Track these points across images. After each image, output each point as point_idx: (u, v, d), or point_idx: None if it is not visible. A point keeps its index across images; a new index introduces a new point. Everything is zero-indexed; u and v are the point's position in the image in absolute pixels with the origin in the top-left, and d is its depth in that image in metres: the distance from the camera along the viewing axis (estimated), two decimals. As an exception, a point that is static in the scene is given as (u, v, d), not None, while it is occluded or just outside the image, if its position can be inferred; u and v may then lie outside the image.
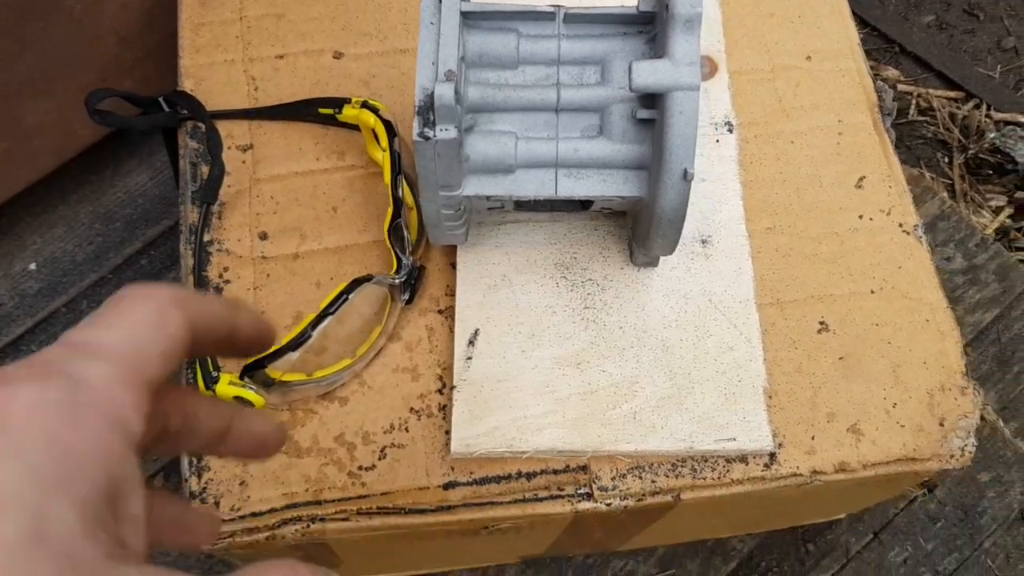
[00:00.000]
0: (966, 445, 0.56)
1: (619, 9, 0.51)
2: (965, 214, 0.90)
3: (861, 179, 0.64)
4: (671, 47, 0.46)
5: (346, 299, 0.54)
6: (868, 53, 1.18)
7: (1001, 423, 0.58)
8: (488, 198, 0.52)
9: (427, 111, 0.47)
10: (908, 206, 0.63)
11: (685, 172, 0.46)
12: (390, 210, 0.58)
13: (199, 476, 0.56)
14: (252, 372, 0.54)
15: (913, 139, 1.08)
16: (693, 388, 0.56)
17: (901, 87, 1.10)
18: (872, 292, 0.61)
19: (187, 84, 0.68)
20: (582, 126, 0.51)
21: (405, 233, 0.59)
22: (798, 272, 0.61)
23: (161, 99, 0.68)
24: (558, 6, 0.52)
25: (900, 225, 0.63)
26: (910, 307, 0.60)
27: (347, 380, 0.58)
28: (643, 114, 0.49)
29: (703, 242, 0.60)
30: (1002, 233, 1.02)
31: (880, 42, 1.17)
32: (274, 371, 0.54)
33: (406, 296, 0.59)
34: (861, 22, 1.18)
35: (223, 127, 0.67)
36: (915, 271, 0.61)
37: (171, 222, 0.94)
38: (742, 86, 0.67)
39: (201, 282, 0.62)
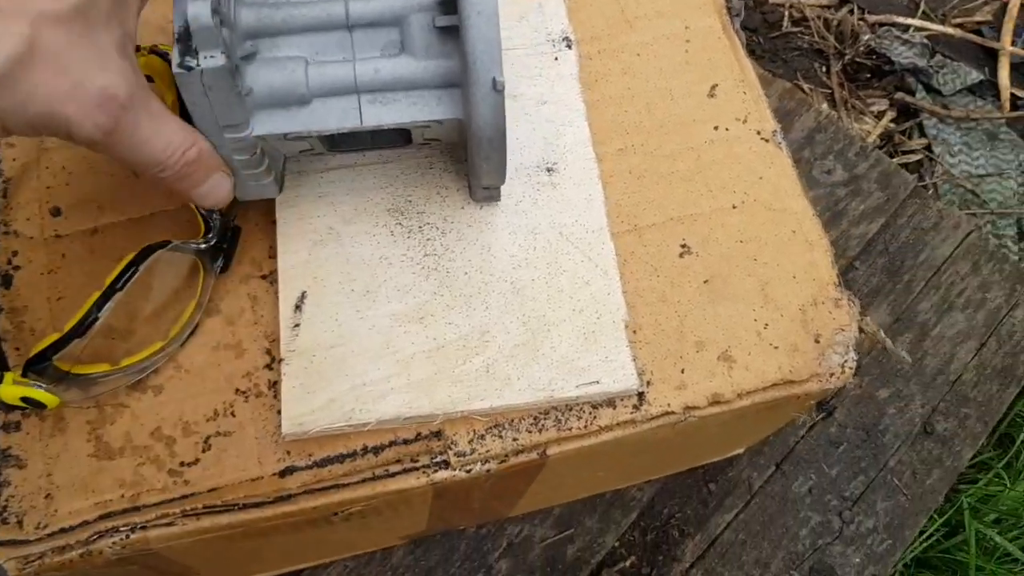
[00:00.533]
0: (846, 361, 0.54)
1: None
2: (842, 124, 0.88)
3: (714, 87, 0.61)
4: None
5: (135, 271, 0.48)
6: (735, -35, 1.15)
7: (882, 333, 0.55)
8: (286, 136, 0.47)
9: (186, 37, 0.42)
10: (764, 112, 0.60)
11: (494, 82, 0.42)
12: None
13: (-4, 493, 0.50)
14: (36, 367, 0.48)
15: (789, 51, 1.06)
16: (549, 331, 0.52)
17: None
18: (734, 207, 0.58)
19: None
20: (381, 43, 0.46)
21: None
22: (654, 194, 0.58)
23: None
24: None
25: (758, 133, 0.60)
26: (774, 219, 0.57)
27: (161, 364, 0.53)
28: (442, 21, 0.44)
29: (548, 170, 0.56)
30: (887, 138, 1.01)
31: (746, -49, 1.14)
32: (65, 363, 0.48)
33: (220, 263, 0.54)
34: (725, -67, 1.16)
35: (-2, 94, 0.60)
36: (777, 180, 0.58)
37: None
38: (580, -2, 0.63)
39: (-15, 273, 0.55)
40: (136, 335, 0.53)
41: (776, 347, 0.54)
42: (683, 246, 0.56)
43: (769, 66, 1.05)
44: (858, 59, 1.04)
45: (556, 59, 0.59)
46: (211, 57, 0.42)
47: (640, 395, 0.52)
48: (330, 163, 0.56)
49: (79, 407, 0.52)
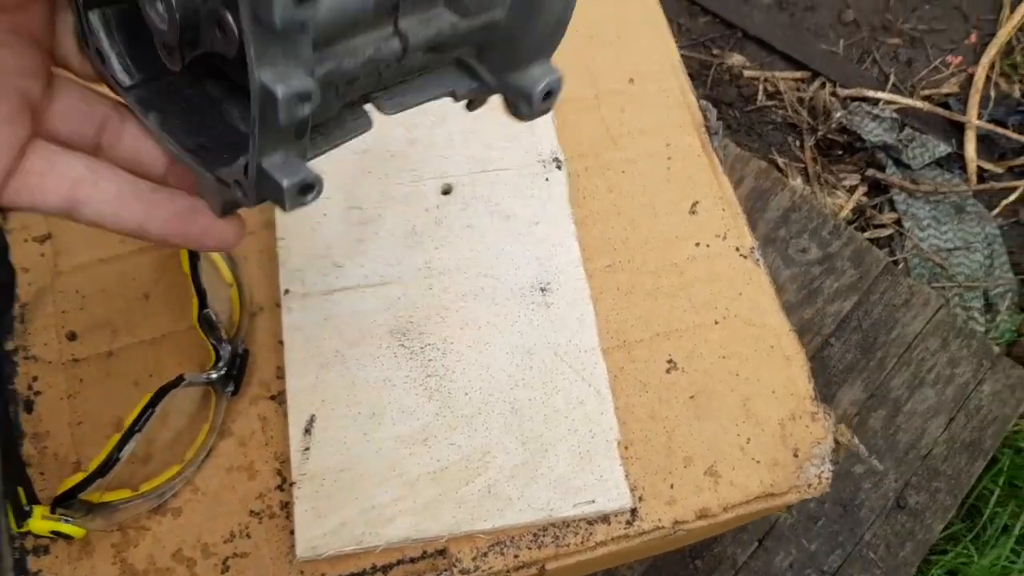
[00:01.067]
0: (822, 472, 0.58)
1: None
2: (816, 202, 0.93)
3: (694, 204, 0.65)
4: None
5: (152, 412, 0.52)
6: (712, 41, 1.20)
7: (855, 440, 0.59)
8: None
9: None
10: (743, 228, 0.64)
11: None
12: (195, 300, 0.56)
13: (23, 618, 0.53)
14: (65, 502, 0.51)
15: (763, 125, 1.11)
16: (547, 451, 0.56)
17: (747, 73, 1.13)
18: (716, 323, 0.62)
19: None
20: None
21: (216, 320, 0.57)
22: (641, 310, 0.62)
23: None
24: None
25: (737, 249, 0.64)
26: (754, 335, 0.61)
27: (179, 488, 0.56)
28: None
29: (542, 290, 0.60)
30: (859, 213, 1.06)
31: (722, 28, 1.19)
32: (91, 494, 0.52)
33: (231, 388, 0.57)
34: (702, 10, 1.20)
35: (18, 219, 0.63)
36: (756, 296, 0.62)
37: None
38: (567, 116, 0.67)
39: (10, 397, 0.58)
40: (154, 460, 0.56)
41: (758, 461, 0.58)
42: (669, 362, 0.60)
43: (745, 140, 1.10)
44: (830, 135, 1.09)
45: (547, 180, 0.63)
46: None
47: (633, 511, 0.56)
48: (335, 284, 0.60)
49: (105, 531, 0.55)
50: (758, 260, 0.63)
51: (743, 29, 1.19)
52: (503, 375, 0.58)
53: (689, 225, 0.64)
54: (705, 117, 0.67)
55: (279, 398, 0.58)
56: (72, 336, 0.60)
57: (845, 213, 1.05)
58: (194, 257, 0.58)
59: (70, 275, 0.62)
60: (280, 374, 0.59)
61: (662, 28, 0.70)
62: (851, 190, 1.07)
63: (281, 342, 0.59)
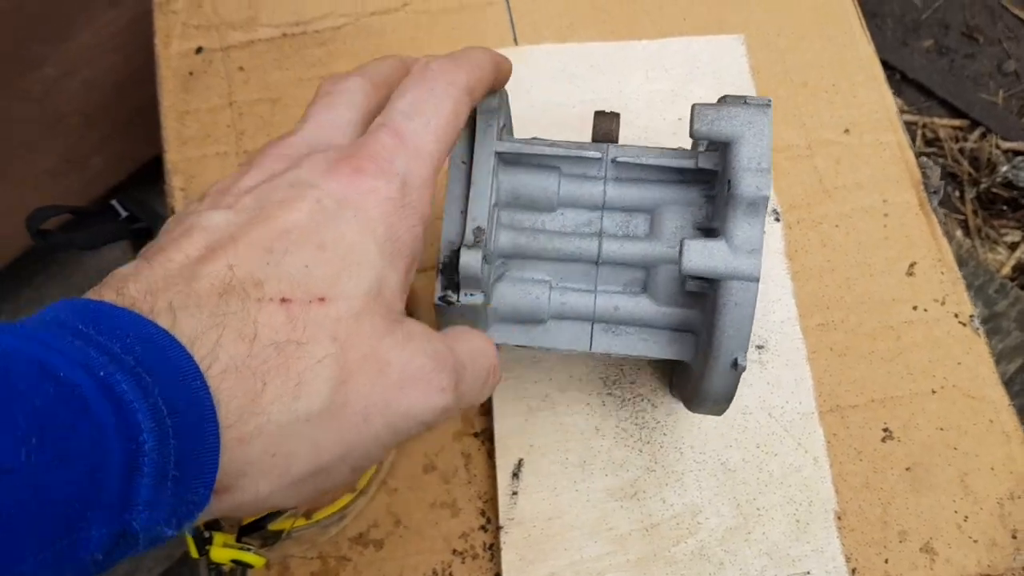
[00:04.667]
0: (1044, 558, 0.54)
1: (676, 160, 0.46)
2: (982, 258, 0.89)
3: (912, 265, 0.61)
4: (731, 229, 0.41)
5: None
6: (868, 80, 1.16)
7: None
8: (515, 345, 0.48)
9: (451, 272, 0.43)
10: (962, 294, 0.61)
11: (735, 362, 0.42)
12: None
13: (225, 641, 0.51)
14: (251, 531, 0.49)
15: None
16: (760, 516, 0.53)
17: (906, 117, 1.09)
18: (933, 392, 0.58)
19: (176, 181, 0.64)
20: (624, 280, 0.47)
21: None
22: (856, 373, 0.58)
23: (116, 203, 0.62)
24: (607, 145, 0.47)
25: (956, 316, 0.60)
26: (973, 407, 0.58)
27: (350, 518, 0.54)
28: (693, 286, 0.45)
29: (759, 348, 0.57)
30: (1020, 270, 1.01)
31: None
32: (274, 524, 0.50)
33: None
34: (859, 47, 1.17)
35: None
36: (975, 367, 0.59)
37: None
38: (779, 164, 0.64)
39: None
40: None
41: (975, 540, 0.55)
42: (885, 430, 0.57)
43: (943, 182, 1.06)
44: (993, 189, 1.04)
45: (764, 232, 0.60)
46: (472, 295, 0.43)
47: (847, 585, 0.53)
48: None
49: (303, 559, 0.53)
50: (978, 329, 0.60)
51: (902, 71, 1.15)
52: (715, 433, 0.55)
53: (906, 287, 0.61)
54: (924, 175, 0.63)
55: (482, 435, 0.56)
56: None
57: (1006, 270, 1.00)
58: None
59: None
60: (484, 411, 0.57)
61: (879, 78, 0.67)
62: (1013, 247, 1.02)
63: (484, 377, 0.57)
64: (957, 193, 1.06)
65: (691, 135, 0.44)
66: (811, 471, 0.55)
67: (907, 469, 0.56)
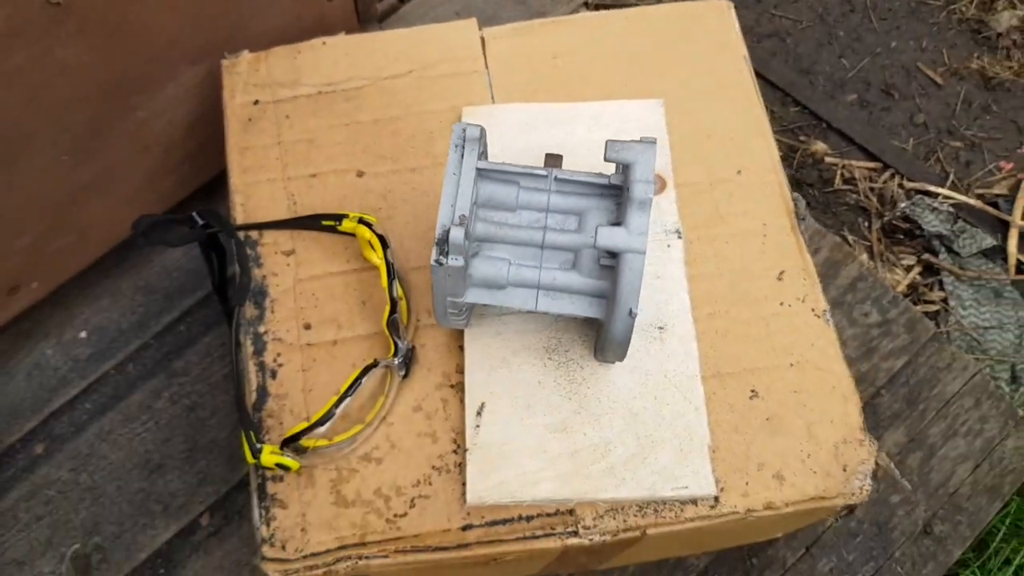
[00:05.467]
0: (863, 485, 0.72)
1: (595, 178, 0.67)
2: (881, 276, 1.08)
3: (781, 273, 0.80)
4: (628, 219, 0.62)
5: (359, 383, 0.70)
6: (800, 128, 1.36)
7: (892, 466, 0.74)
8: (484, 305, 0.68)
9: (443, 243, 0.63)
10: (818, 295, 0.79)
11: (630, 311, 0.62)
12: (387, 307, 0.74)
13: (268, 524, 0.70)
14: (289, 443, 0.69)
15: (838, 206, 1.26)
16: (654, 447, 0.72)
17: (828, 159, 1.28)
18: (791, 365, 0.77)
19: (237, 199, 0.83)
20: (560, 260, 0.67)
21: (400, 324, 0.74)
22: (733, 349, 0.77)
23: (195, 215, 0.82)
24: (551, 169, 0.68)
25: (812, 310, 0.79)
26: (821, 377, 0.76)
27: (359, 443, 0.73)
28: (605, 261, 0.65)
29: (660, 328, 0.76)
30: (912, 288, 1.20)
31: (810, 119, 1.35)
32: (305, 441, 0.70)
33: (403, 372, 0.75)
34: (794, 101, 1.36)
35: (270, 236, 0.82)
36: (824, 348, 0.77)
37: (204, 292, 1.07)
38: (686, 196, 0.83)
39: (260, 367, 0.77)
40: (344, 421, 0.73)
41: (815, 472, 0.73)
42: (752, 391, 0.76)
43: (821, 217, 1.25)
44: (895, 221, 1.23)
45: (668, 246, 0.80)
46: (456, 259, 0.63)
47: (716, 498, 0.71)
48: (504, 309, 0.77)
49: (324, 468, 0.73)
50: (828, 320, 0.79)
51: (828, 121, 1.34)
52: (625, 388, 0.74)
53: (776, 288, 0.79)
54: (796, 206, 0.82)
55: (457, 387, 0.75)
56: (307, 327, 0.78)
57: (902, 288, 1.19)
58: (391, 276, 0.75)
59: (307, 282, 0.80)
60: (458, 370, 0.75)
61: (767, 133, 0.86)
62: (908, 269, 1.21)
63: (461, 347, 0.76)
64: (866, 224, 1.25)
65: (604, 159, 0.64)
66: (693, 416, 0.73)
67: (767, 419, 0.75)
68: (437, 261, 0.63)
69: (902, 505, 1.00)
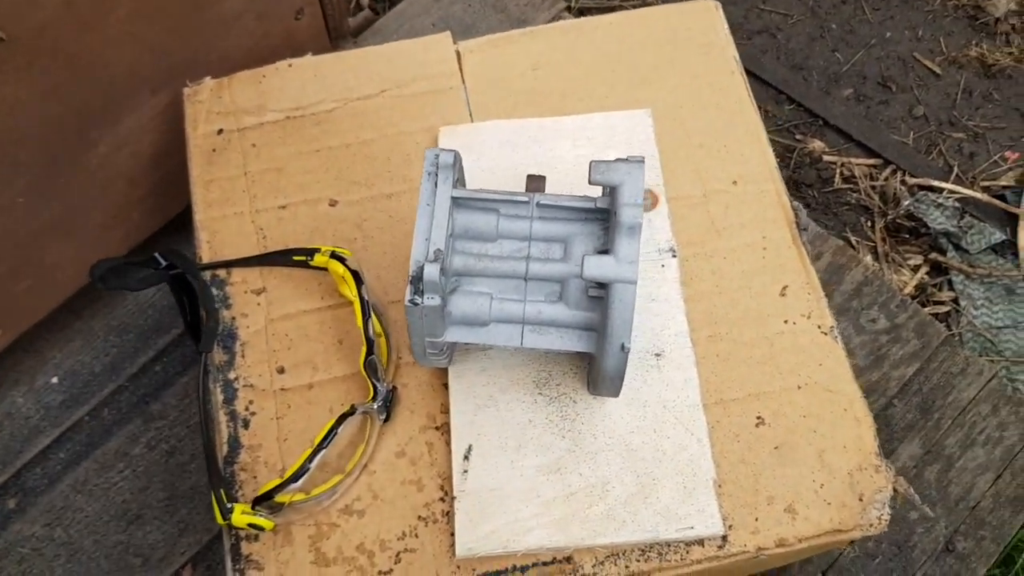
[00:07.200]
0: (882, 515, 0.68)
1: (581, 202, 0.62)
2: (887, 279, 1.02)
3: (784, 288, 0.75)
4: (616, 247, 0.57)
5: (335, 433, 0.65)
6: (795, 127, 1.30)
7: (911, 491, 0.69)
8: (466, 345, 0.63)
9: (418, 281, 0.58)
10: (824, 310, 0.74)
11: (622, 346, 0.57)
12: (363, 348, 0.69)
13: (244, 588, 0.66)
14: (262, 501, 0.64)
15: (839, 206, 1.21)
16: (655, 485, 0.67)
17: (826, 158, 1.23)
18: (799, 388, 0.72)
19: (203, 236, 0.78)
20: (546, 292, 0.62)
21: (378, 365, 0.69)
22: (736, 373, 0.72)
23: (158, 255, 0.77)
24: (533, 194, 0.63)
25: (819, 327, 0.74)
26: (831, 399, 0.71)
27: (339, 494, 0.68)
28: (593, 292, 0.60)
29: (656, 355, 0.71)
30: (921, 289, 1.15)
31: (806, 116, 1.30)
32: (280, 496, 0.65)
33: (383, 416, 0.69)
34: (788, 99, 1.31)
35: (239, 274, 0.77)
36: (833, 367, 0.72)
37: (180, 330, 1.03)
38: (679, 211, 0.78)
39: (231, 416, 0.72)
40: (322, 471, 0.68)
41: (829, 503, 0.68)
42: (758, 418, 0.71)
43: (821, 219, 1.20)
44: (899, 220, 1.18)
45: (663, 266, 0.75)
46: (432, 298, 0.58)
47: (724, 537, 0.66)
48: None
49: (303, 524, 0.68)
50: (836, 337, 0.74)
51: (824, 118, 1.29)
52: (621, 422, 0.69)
53: (779, 305, 0.75)
54: (796, 215, 0.77)
55: (442, 428, 0.70)
56: (281, 370, 0.73)
57: (909, 289, 1.13)
58: (366, 315, 0.70)
59: (280, 322, 0.75)
60: (443, 409, 0.71)
61: (762, 139, 0.81)
62: (915, 269, 1.16)
63: (445, 385, 0.71)
64: (869, 223, 1.19)
65: (589, 182, 0.59)
66: (696, 449, 0.68)
67: (775, 448, 0.70)
68: (412, 301, 0.58)
69: (921, 522, 0.95)
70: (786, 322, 0.74)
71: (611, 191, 0.60)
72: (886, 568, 0.93)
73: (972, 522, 0.95)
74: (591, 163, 0.60)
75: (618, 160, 0.59)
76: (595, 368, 0.63)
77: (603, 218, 0.63)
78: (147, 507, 0.94)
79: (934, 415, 1.00)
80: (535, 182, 0.68)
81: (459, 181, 0.64)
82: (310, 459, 0.65)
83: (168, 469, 0.96)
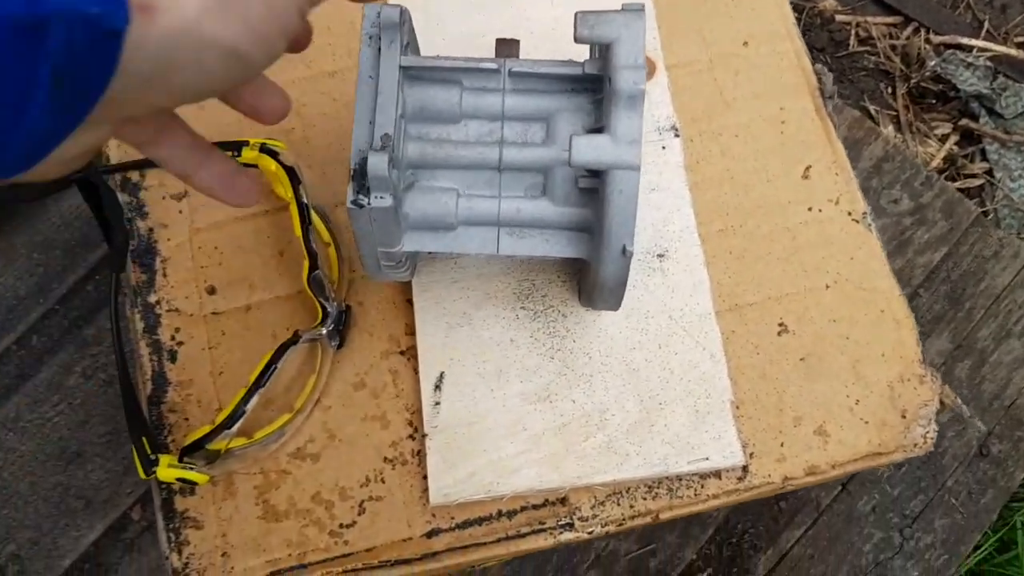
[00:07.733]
0: (928, 432, 0.58)
1: (565, 68, 0.49)
2: (909, 153, 0.91)
3: (807, 169, 0.64)
4: (613, 123, 0.44)
5: (274, 369, 0.54)
6: (803, -17, 1.16)
7: (959, 401, 0.59)
8: (429, 253, 0.51)
9: (362, 176, 0.46)
10: (855, 193, 0.63)
11: (624, 248, 0.46)
12: (305, 263, 0.57)
13: (179, 552, 0.56)
14: (192, 452, 0.54)
15: (855, 72, 1.08)
16: (663, 410, 0.57)
17: (840, 18, 1.09)
18: (827, 287, 0.61)
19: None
20: (525, 185, 0.50)
21: (325, 282, 0.58)
22: (753, 273, 0.61)
23: None
24: (503, 60, 0.50)
25: (849, 214, 0.63)
26: (865, 299, 0.61)
27: (288, 436, 0.58)
28: (584, 183, 0.48)
29: (659, 256, 0.60)
30: (949, 162, 1.03)
31: (814, -30, 1.15)
32: (216, 443, 0.54)
33: (336, 342, 0.59)
34: (794, -49, 1.16)
35: (155, 176, 0.64)
36: (867, 261, 0.62)
37: (112, 243, 0.91)
38: (681, 80, 0.66)
39: (154, 347, 0.60)
40: (267, 409, 0.58)
41: (867, 422, 0.58)
42: (780, 324, 0.60)
43: (836, 87, 1.07)
44: (924, 83, 1.05)
45: (664, 148, 0.63)
46: (381, 198, 0.46)
47: (744, 468, 0.57)
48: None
49: (247, 474, 0.58)
50: (870, 225, 0.62)
51: (835, -28, 1.15)
52: (620, 337, 0.59)
53: (802, 190, 0.63)
54: (820, 81, 0.65)
55: (408, 353, 0.60)
56: (212, 291, 0.62)
57: (936, 162, 1.02)
58: (305, 221, 0.58)
59: (207, 232, 0.63)
60: (409, 331, 0.60)
61: (777, -12, 0.68)
62: (943, 139, 1.04)
63: (409, 301, 0.60)
64: (889, 90, 1.07)
65: (575, 39, 0.47)
66: (708, 366, 0.58)
67: (801, 359, 0.60)
68: (355, 202, 0.46)
69: (952, 424, 0.86)
70: (810, 209, 0.63)
71: (603, 51, 0.47)
72: (914, 477, 0.84)
73: (1008, 422, 0.86)
74: (577, 14, 0.46)
75: (611, 10, 0.46)
76: (589, 277, 0.51)
77: (593, 88, 0.50)
78: (87, 444, 0.85)
79: (964, 305, 0.90)
80: (506, 47, 0.55)
81: (410, 47, 0.51)
82: (245, 400, 0.54)
83: (108, 400, 0.86)
